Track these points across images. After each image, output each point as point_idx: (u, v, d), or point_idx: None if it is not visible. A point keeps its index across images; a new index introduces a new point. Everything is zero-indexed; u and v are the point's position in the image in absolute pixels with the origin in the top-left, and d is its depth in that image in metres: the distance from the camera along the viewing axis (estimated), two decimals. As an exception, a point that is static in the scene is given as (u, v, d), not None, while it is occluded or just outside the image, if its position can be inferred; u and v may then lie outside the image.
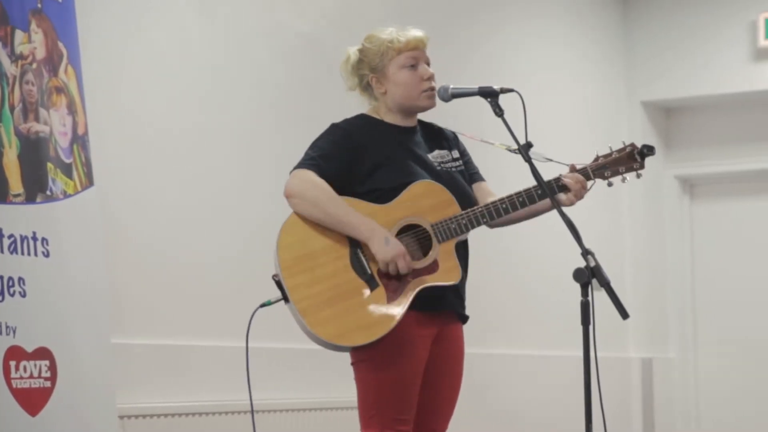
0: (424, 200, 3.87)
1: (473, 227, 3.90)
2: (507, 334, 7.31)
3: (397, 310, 3.79)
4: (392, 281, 3.81)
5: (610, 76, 8.69)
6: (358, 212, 3.82)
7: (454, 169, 4.00)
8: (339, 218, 3.81)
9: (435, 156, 3.99)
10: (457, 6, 7.10)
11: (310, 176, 3.83)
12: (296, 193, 3.83)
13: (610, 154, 4.00)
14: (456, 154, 4.05)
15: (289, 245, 3.81)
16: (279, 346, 5.31)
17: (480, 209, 3.89)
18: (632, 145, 4.01)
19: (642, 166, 4.00)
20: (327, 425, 5.69)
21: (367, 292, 3.80)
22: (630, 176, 4.00)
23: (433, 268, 3.86)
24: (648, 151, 3.98)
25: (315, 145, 3.91)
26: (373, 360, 3.82)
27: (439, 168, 3.97)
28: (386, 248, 3.78)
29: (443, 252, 3.87)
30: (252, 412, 3.99)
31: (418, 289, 3.82)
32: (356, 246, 3.83)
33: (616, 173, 3.98)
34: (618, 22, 8.80)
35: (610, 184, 4.02)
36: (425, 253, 3.86)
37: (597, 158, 4.01)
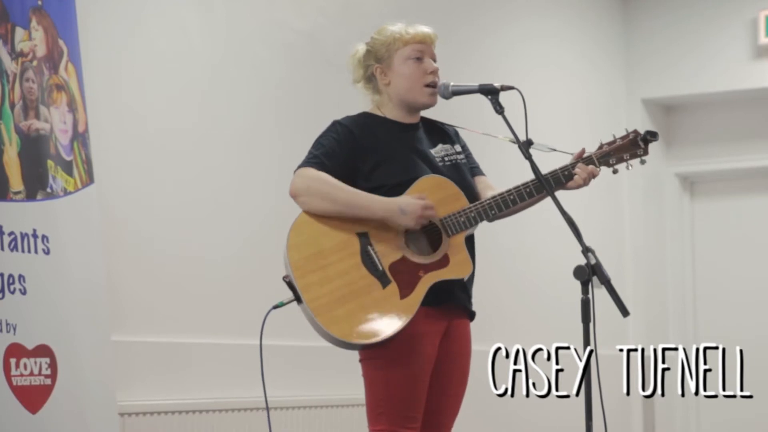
0: (431, 195, 3.86)
1: (482, 220, 3.89)
2: (507, 332, 7.30)
3: (411, 305, 3.78)
4: (404, 277, 3.80)
5: (610, 74, 8.68)
6: (366, 192, 3.81)
7: (457, 161, 4.01)
8: (349, 203, 3.80)
9: (438, 150, 3.99)
10: (457, 4, 7.10)
11: (313, 173, 3.81)
12: (302, 191, 3.81)
13: (613, 142, 4.01)
14: (458, 148, 4.06)
15: (299, 245, 3.78)
16: (284, 344, 5.30)
17: (488, 201, 3.89)
18: (635, 131, 4.02)
19: (646, 152, 4.01)
20: (332, 423, 5.68)
21: (379, 288, 3.78)
22: (634, 163, 4.00)
23: (444, 262, 3.85)
24: (651, 136, 3.99)
25: (317, 143, 3.90)
26: (383, 357, 3.80)
27: (441, 163, 3.97)
28: (406, 217, 3.79)
29: (453, 245, 3.87)
30: (267, 409, 3.97)
31: (430, 284, 3.82)
32: (367, 242, 3.82)
33: (620, 160, 3.99)
34: (618, 19, 8.79)
35: (615, 172, 4.03)
36: (436, 248, 3.87)
37: (601, 146, 4.02)
